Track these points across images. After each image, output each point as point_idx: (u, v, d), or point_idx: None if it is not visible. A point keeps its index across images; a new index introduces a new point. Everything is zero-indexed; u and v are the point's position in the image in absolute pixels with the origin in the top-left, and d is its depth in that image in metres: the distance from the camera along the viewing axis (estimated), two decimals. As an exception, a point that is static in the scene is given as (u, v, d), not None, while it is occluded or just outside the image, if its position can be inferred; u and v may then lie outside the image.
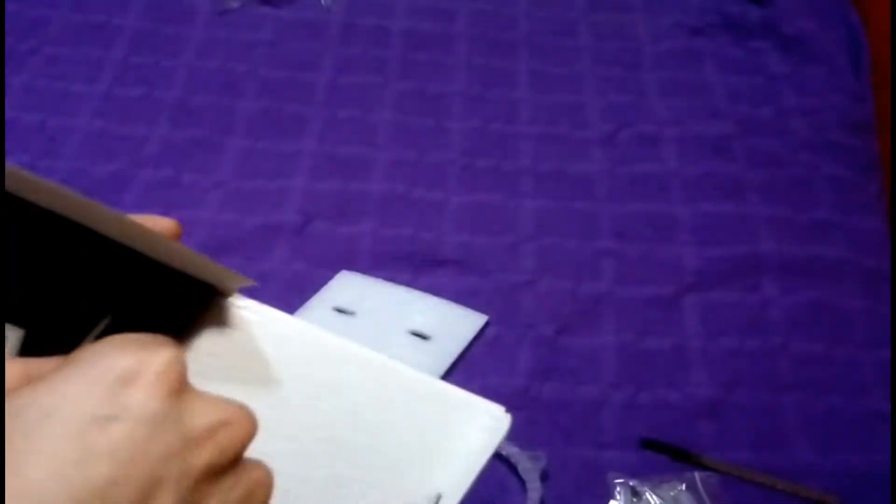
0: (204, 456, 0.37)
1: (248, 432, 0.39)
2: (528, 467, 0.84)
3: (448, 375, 0.93)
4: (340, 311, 0.99)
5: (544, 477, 0.84)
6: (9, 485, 0.32)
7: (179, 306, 0.50)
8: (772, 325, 1.01)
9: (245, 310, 0.54)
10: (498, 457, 0.86)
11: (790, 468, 0.88)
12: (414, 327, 0.97)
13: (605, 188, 1.17)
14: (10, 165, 0.39)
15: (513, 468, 0.85)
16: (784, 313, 1.02)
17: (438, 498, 0.49)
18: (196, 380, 0.39)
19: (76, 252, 0.45)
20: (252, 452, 0.40)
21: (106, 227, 0.44)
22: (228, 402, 0.39)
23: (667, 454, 0.88)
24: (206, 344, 0.51)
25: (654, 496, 0.83)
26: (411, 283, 1.02)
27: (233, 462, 0.38)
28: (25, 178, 0.40)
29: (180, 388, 0.37)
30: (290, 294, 1.00)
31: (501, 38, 1.40)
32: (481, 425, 0.52)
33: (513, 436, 0.86)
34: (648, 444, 0.89)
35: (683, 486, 0.83)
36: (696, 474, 0.85)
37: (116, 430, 0.35)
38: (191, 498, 0.36)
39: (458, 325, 0.98)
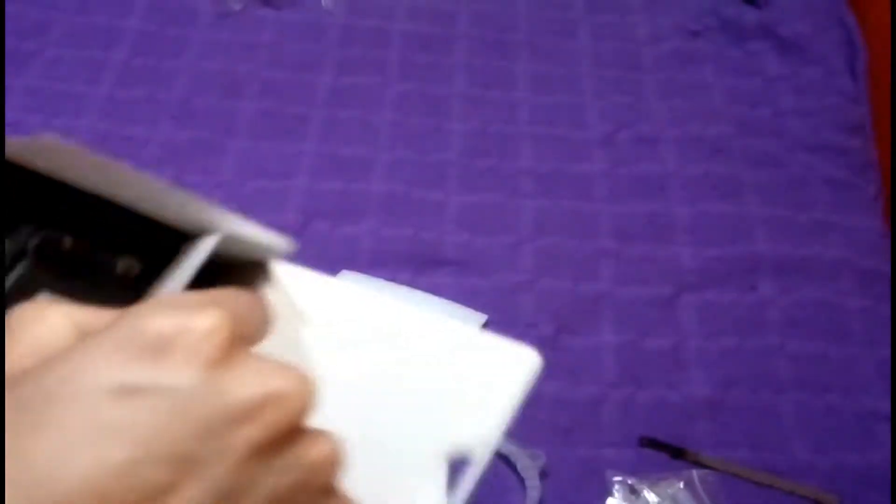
0: (248, 433, 0.31)
1: (303, 404, 0.33)
2: (528, 465, 0.85)
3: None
4: (341, 310, 0.99)
5: (543, 475, 0.85)
6: (9, 467, 0.28)
7: (221, 270, 0.50)
8: (770, 324, 1.02)
9: (284, 271, 0.54)
10: (497, 455, 0.86)
11: (788, 467, 0.88)
12: (414, 327, 0.97)
13: (604, 189, 1.17)
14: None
15: (512, 466, 0.85)
16: (782, 313, 1.03)
17: (482, 439, 0.50)
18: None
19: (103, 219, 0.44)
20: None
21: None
22: (282, 370, 0.33)
23: (665, 452, 0.88)
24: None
25: (653, 494, 0.83)
26: (411, 283, 1.03)
27: (287, 437, 0.33)
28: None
29: (224, 356, 0.32)
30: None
31: (501, 39, 1.40)
32: (515, 368, 0.54)
33: (512, 434, 0.87)
34: (647, 443, 0.89)
35: (682, 485, 0.84)
36: (695, 472, 0.85)
37: (139, 404, 0.30)
38: (233, 481, 0.31)
39: (458, 324, 0.98)
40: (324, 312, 0.54)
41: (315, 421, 0.35)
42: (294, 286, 0.54)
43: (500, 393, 0.52)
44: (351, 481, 0.50)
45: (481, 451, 0.50)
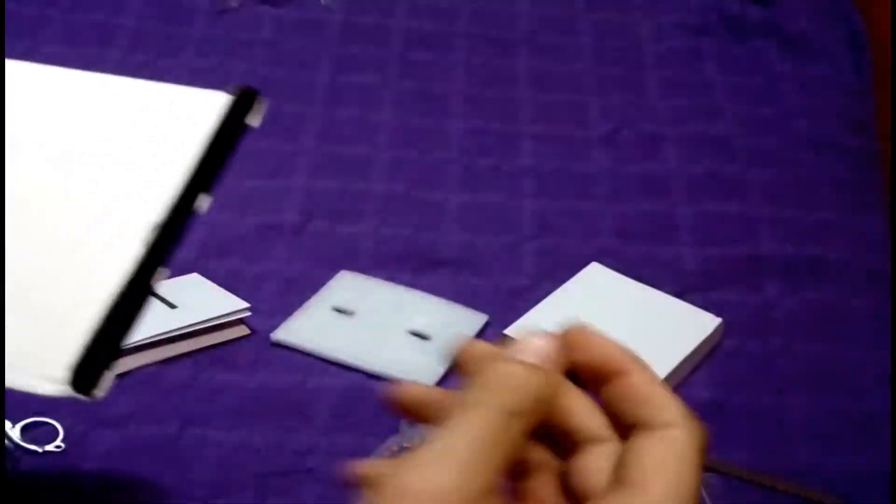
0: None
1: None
2: (529, 468, 0.84)
3: (448, 375, 0.93)
4: (340, 311, 0.98)
5: (545, 478, 0.84)
6: None
7: None
8: (773, 325, 1.01)
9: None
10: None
11: (791, 469, 0.87)
12: (414, 327, 0.97)
13: (605, 188, 1.16)
14: None
15: (513, 469, 0.85)
16: (785, 314, 1.02)
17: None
18: None
19: None
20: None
21: None
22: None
23: (668, 455, 0.88)
24: None
25: (656, 497, 0.82)
26: (411, 283, 1.02)
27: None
28: None
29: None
30: (289, 294, 0.99)
31: (502, 37, 1.40)
32: (201, 112, 0.54)
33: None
34: (649, 445, 0.88)
35: (685, 488, 0.83)
36: (698, 475, 0.84)
37: None
38: None
39: (457, 325, 0.98)
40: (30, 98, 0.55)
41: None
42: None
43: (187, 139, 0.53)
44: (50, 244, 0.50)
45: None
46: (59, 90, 0.57)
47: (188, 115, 0.55)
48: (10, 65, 0.55)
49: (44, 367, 0.49)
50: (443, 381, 0.92)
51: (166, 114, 0.56)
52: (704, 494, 0.83)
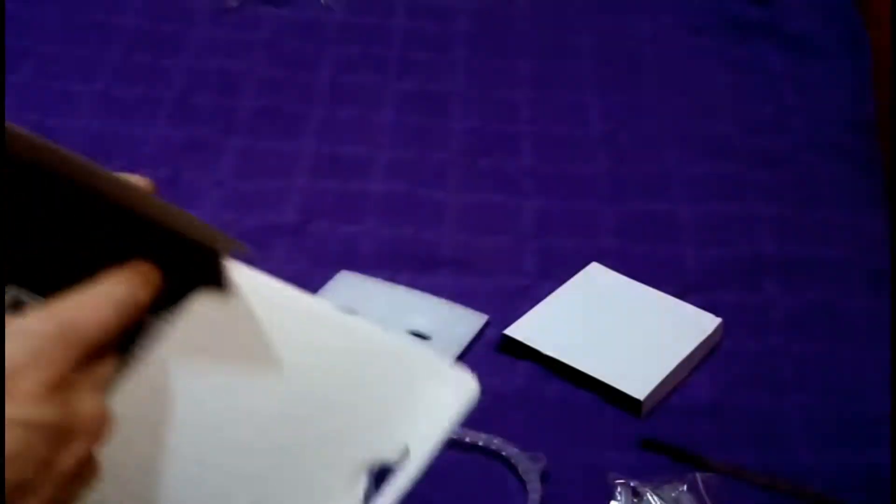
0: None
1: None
2: (529, 468, 0.84)
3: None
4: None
5: (545, 478, 0.84)
6: None
7: (177, 268, 0.50)
8: (773, 325, 1.01)
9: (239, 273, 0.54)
10: (498, 457, 0.85)
11: (791, 469, 0.87)
12: (414, 327, 0.97)
13: (605, 188, 1.16)
14: (8, 123, 0.40)
15: (513, 469, 0.85)
16: (785, 313, 1.02)
17: (406, 451, 0.50)
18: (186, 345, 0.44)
19: (73, 211, 0.46)
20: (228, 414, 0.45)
21: (104, 186, 0.45)
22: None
23: (668, 455, 0.88)
24: (203, 308, 0.51)
25: (656, 497, 0.82)
26: (411, 283, 1.02)
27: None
28: (20, 134, 0.40)
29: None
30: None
31: (502, 37, 1.40)
32: (450, 390, 0.53)
33: (513, 436, 0.87)
34: (649, 445, 0.88)
35: (685, 487, 0.83)
36: (698, 475, 0.84)
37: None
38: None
39: (457, 325, 0.98)
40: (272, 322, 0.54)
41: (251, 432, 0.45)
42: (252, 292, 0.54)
43: (435, 413, 0.52)
44: (273, 485, 0.51)
45: (405, 461, 0.49)
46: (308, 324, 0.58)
47: (434, 392, 0.56)
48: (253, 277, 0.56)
49: None
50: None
51: (412, 380, 0.56)
52: (704, 494, 0.83)
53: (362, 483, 0.51)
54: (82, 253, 0.47)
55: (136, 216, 0.46)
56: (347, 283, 1.01)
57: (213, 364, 0.51)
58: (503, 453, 0.85)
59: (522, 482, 0.84)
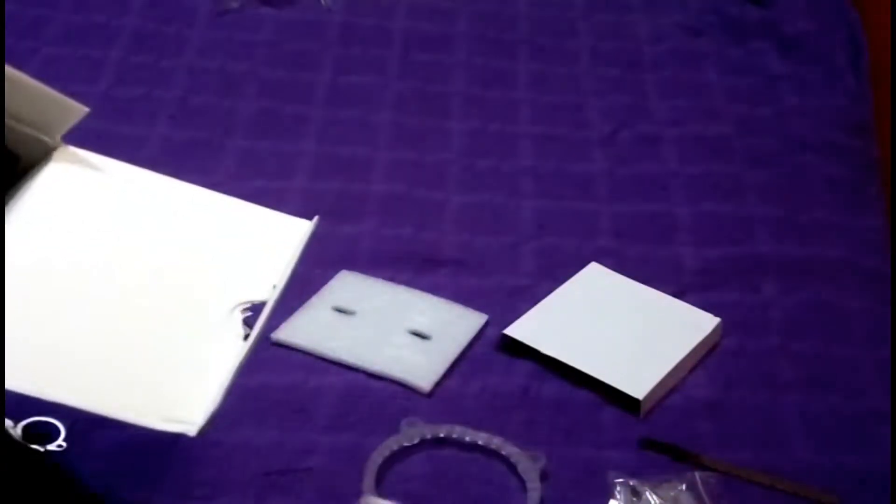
0: None
1: None
2: (528, 467, 0.84)
3: (448, 375, 0.93)
4: (340, 310, 0.99)
5: (544, 477, 0.84)
6: None
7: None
8: (771, 324, 1.01)
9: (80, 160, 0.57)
10: (498, 457, 0.86)
11: (790, 468, 0.88)
12: (414, 327, 0.97)
13: (604, 188, 1.17)
14: None
15: (512, 468, 0.85)
16: (783, 313, 1.02)
17: (274, 288, 0.57)
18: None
19: None
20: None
21: None
22: None
23: (667, 454, 0.88)
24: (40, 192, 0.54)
25: (655, 496, 0.83)
26: (411, 283, 1.02)
27: None
28: None
29: None
30: (290, 294, 1.00)
31: (501, 38, 1.40)
32: (289, 233, 0.59)
33: (512, 435, 0.87)
34: (648, 444, 0.88)
35: (684, 486, 0.83)
36: (697, 474, 0.84)
37: None
38: None
39: (457, 325, 0.98)
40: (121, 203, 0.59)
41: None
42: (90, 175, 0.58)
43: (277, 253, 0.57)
44: (162, 328, 0.55)
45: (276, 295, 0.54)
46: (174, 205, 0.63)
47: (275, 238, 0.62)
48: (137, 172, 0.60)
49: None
50: (442, 381, 0.92)
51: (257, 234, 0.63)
52: (703, 493, 0.83)
53: (239, 317, 0.56)
54: None
55: None
56: (347, 283, 1.02)
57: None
58: (503, 452, 0.85)
59: (522, 481, 0.84)
